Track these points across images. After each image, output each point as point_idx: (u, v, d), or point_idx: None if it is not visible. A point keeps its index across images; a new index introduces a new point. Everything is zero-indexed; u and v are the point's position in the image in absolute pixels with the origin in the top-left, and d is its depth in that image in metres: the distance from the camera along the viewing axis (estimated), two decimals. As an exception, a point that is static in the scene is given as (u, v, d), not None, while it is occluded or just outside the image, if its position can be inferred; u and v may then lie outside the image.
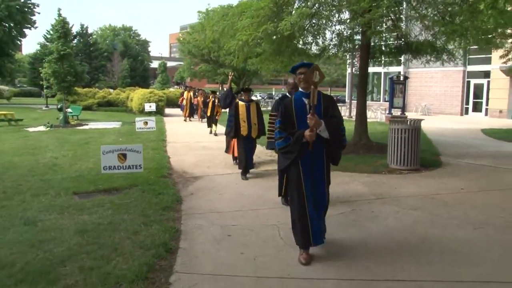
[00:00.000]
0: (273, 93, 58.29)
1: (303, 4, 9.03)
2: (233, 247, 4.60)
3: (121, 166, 6.61)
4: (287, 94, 6.81)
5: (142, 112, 25.59)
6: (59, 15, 18.77)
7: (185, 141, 14.10)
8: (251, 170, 8.88)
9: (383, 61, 14.55)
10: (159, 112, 25.42)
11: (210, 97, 16.94)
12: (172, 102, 31.28)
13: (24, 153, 11.56)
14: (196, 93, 22.94)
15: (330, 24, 11.02)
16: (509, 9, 13.82)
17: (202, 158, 10.86)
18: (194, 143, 13.76)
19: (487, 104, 28.54)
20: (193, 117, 23.51)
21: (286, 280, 3.84)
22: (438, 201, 6.54)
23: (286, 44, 10.31)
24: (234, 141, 9.33)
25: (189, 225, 5.36)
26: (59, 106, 25.76)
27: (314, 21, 10.38)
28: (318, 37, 11.25)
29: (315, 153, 4.29)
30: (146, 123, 14.93)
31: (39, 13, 39.51)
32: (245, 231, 5.16)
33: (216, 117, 16.49)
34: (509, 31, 17.33)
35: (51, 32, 17.81)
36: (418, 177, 8.40)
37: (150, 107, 23.60)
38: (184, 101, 23.39)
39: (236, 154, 9.35)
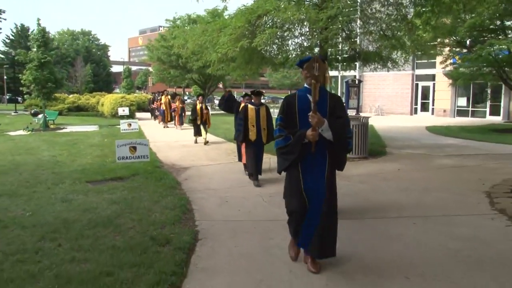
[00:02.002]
0: (235, 96, 60.60)
1: (273, 24, 10.83)
2: (232, 207, 6.40)
3: (132, 156, 8.21)
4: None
5: (114, 116, 26.78)
6: (39, 24, 19.90)
7: (165, 141, 15.62)
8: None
9: (339, 67, 16.62)
10: (131, 116, 26.68)
11: (197, 102, 15.14)
12: (140, 107, 32.44)
13: (22, 153, 12.78)
14: (174, 99, 22.24)
15: (293, 36, 12.93)
16: (445, 22, 16.25)
17: (185, 154, 12.49)
18: (174, 142, 15.32)
19: (433, 104, 31.44)
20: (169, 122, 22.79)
21: (273, 221, 5.63)
22: (379, 177, 8.58)
23: (256, 55, 12.10)
24: (243, 147, 8.97)
25: (194, 197, 7.07)
26: (32, 111, 26.70)
27: (279, 33, 12.25)
28: (282, 48, 13.13)
29: (317, 156, 4.01)
30: (130, 124, 16.44)
31: (5, 19, 39.55)
32: (238, 199, 6.95)
33: (207, 126, 14.92)
34: (446, 40, 19.98)
35: (12, 38, 18.73)
36: (366, 163, 10.46)
37: (124, 111, 24.86)
38: (163, 106, 22.03)
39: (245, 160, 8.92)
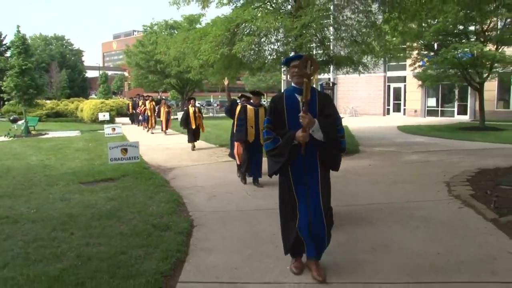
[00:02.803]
0: (211, 100, 61.53)
1: (250, 32, 11.57)
2: (220, 201, 7.08)
3: (123, 157, 8.79)
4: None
5: (94, 121, 27.11)
6: (18, 32, 20.18)
7: (148, 144, 16.10)
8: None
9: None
10: (111, 121, 27.03)
11: (189, 106, 14.45)
12: (119, 112, 32.64)
13: (10, 158, 13.12)
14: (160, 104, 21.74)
15: (269, 42, 13.69)
16: (412, 27, 17.22)
17: (170, 156, 13.07)
18: (157, 145, 15.87)
19: (404, 105, 32.74)
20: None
21: (258, 211, 6.32)
22: (352, 172, 9.39)
23: (235, 61, 12.82)
24: (239, 148, 8.76)
25: (184, 193, 7.70)
26: (11, 118, 26.75)
27: (256, 40, 12.99)
28: (259, 54, 13.88)
29: (308, 158, 3.89)
30: (114, 129, 16.92)
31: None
32: (224, 194, 7.64)
33: (201, 131, 14.51)
34: (414, 44, 21.10)
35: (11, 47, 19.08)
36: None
37: (104, 116, 25.24)
38: (148, 112, 21.49)
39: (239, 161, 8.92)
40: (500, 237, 4.80)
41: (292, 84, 4.05)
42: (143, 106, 22.34)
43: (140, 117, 23.69)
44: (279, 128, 3.94)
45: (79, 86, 66.87)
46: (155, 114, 21.36)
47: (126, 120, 29.09)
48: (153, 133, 20.69)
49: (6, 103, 28.12)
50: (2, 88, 20.67)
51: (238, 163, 8.93)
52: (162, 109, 20.41)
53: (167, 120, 20.12)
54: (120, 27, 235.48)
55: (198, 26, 30.68)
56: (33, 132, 21.42)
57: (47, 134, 21.38)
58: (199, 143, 14.99)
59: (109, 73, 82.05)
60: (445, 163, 10.42)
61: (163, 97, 22.86)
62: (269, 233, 5.18)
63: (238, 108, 8.77)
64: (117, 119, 29.66)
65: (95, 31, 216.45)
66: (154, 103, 21.68)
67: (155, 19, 49.85)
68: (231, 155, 9.61)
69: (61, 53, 70.44)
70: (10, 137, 19.73)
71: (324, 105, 3.95)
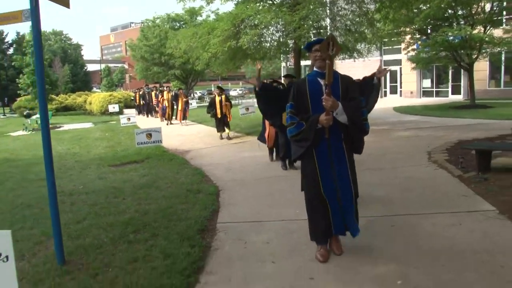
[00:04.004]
0: (212, 89, 62.80)
1: (253, 25, 12.77)
2: (237, 173, 8.40)
3: (148, 141, 10.05)
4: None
5: (104, 113, 28.41)
6: (54, 35, 21.39)
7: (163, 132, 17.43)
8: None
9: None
10: (120, 112, 28.33)
11: (217, 95, 14.22)
12: (126, 104, 33.87)
13: (38, 149, 14.26)
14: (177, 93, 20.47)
15: (271, 34, 14.89)
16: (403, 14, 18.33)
17: (183, 141, 14.35)
18: (169, 132, 17.09)
19: (401, 87, 33.94)
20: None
21: (271, 178, 7.61)
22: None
23: (240, 52, 14.04)
24: (271, 131, 8.89)
25: (204, 168, 8.97)
26: (25, 113, 28.06)
27: (259, 32, 14.20)
28: (261, 44, 15.09)
29: (332, 141, 3.88)
30: (129, 119, 18.18)
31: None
32: (239, 167, 8.96)
33: (228, 119, 14.07)
34: (407, 29, 22.23)
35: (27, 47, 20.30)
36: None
37: (114, 108, 26.51)
38: (166, 103, 20.95)
39: (269, 144, 9.14)
40: (461, 186, 6.12)
41: (314, 68, 4.02)
42: (161, 97, 21.69)
43: (157, 109, 23.45)
44: (302, 113, 3.92)
45: (82, 80, 67.84)
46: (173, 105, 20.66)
47: (133, 111, 30.32)
48: (172, 123, 20.35)
49: (17, 99, 29.25)
50: (20, 85, 21.89)
51: (268, 146, 9.24)
52: (180, 99, 19.75)
53: (185, 110, 19.73)
54: (117, 19, 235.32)
55: (199, 18, 31.86)
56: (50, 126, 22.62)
57: (62, 127, 22.68)
58: (203, 128, 16.20)
59: (109, 66, 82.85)
60: (432, 137, 11.68)
61: (166, 87, 21.68)
62: (282, 192, 6.50)
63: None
64: (125, 111, 30.93)
65: (91, 24, 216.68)
66: (171, 94, 20.95)
67: (157, 13, 51.03)
68: (261, 138, 9.55)
69: (62, 48, 71.30)
70: (28, 131, 21.02)
71: (347, 87, 3.93)
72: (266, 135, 9.11)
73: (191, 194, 6.47)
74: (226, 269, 3.88)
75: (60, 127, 22.69)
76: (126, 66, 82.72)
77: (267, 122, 8.71)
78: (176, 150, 12.24)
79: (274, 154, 9.32)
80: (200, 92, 57.07)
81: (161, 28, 31.48)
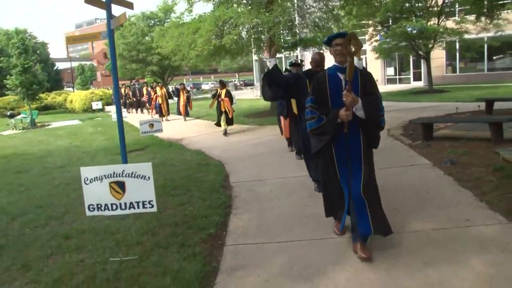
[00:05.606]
0: (185, 83, 64.38)
1: (233, 25, 14.42)
2: (232, 152, 10.08)
3: (151, 130, 11.56)
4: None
5: (86, 110, 29.49)
6: (17, 33, 22.45)
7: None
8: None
9: (283, 51, 20.48)
10: (102, 109, 29.43)
11: (218, 89, 13.80)
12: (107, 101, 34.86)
13: (39, 145, 15.41)
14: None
15: (249, 32, 16.56)
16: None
17: (174, 131, 15.64)
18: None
19: (366, 76, 36.09)
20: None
21: (263, 153, 9.32)
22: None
23: (221, 49, 15.67)
24: (286, 122, 8.94)
25: (202, 150, 10.61)
26: (8, 113, 28.87)
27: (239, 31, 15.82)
28: (239, 41, 16.73)
29: (350, 136, 3.97)
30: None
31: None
32: (233, 149, 10.61)
33: (229, 116, 13.30)
34: (370, 22, 24.22)
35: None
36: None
37: (97, 105, 27.65)
38: (159, 99, 20.34)
39: (287, 135, 9.14)
40: (409, 151, 8.07)
41: (334, 63, 4.05)
42: (154, 93, 21.01)
43: (147, 105, 23.44)
44: (322, 107, 3.99)
45: (54, 79, 67.43)
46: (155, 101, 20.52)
47: (114, 108, 31.33)
48: (168, 120, 19.80)
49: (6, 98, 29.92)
50: (7, 86, 22.89)
51: (285, 136, 9.41)
52: (181, 94, 19.47)
53: (187, 105, 19.35)
54: (80, 15, 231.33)
55: (172, 15, 33.12)
56: (38, 124, 23.73)
57: (50, 125, 23.71)
58: (200, 121, 17.81)
59: (75, 63, 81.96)
60: (393, 118, 13.52)
61: (155, 83, 21.59)
62: (273, 161, 8.33)
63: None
64: (106, 108, 32.03)
65: (54, 21, 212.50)
66: (165, 90, 20.79)
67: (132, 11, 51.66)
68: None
69: (32, 47, 70.47)
70: (19, 129, 22.02)
71: (366, 83, 3.97)
72: (282, 126, 9.44)
73: (203, 167, 8.16)
74: (246, 205, 5.68)
75: (48, 125, 23.73)
76: (95, 64, 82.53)
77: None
78: (169, 139, 13.69)
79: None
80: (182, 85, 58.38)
81: (137, 26, 32.68)
